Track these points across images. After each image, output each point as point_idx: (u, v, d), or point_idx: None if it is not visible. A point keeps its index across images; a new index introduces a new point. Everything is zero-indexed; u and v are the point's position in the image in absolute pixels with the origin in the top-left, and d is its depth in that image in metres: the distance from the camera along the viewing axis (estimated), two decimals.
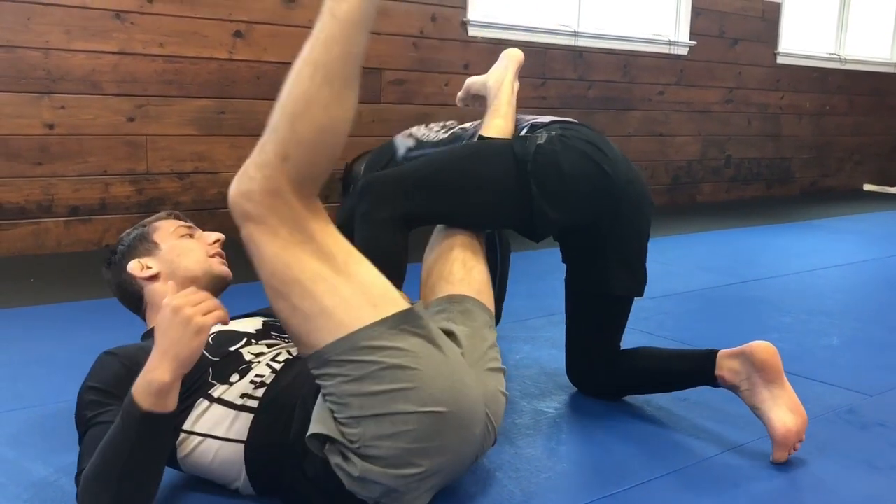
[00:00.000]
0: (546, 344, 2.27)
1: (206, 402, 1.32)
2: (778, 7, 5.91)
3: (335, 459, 1.19)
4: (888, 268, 3.55)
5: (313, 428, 1.19)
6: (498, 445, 1.58)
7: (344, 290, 1.19)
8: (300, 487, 1.27)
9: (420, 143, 2.19)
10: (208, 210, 3.71)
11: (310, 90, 1.18)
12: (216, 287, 1.57)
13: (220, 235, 1.64)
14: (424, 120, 4.24)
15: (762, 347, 1.56)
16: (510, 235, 2.28)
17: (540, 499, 1.38)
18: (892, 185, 6.98)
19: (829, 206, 5.71)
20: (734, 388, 1.60)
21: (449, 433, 1.20)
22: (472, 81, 2.08)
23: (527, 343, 2.32)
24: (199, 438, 1.30)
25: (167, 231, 1.58)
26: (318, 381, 1.22)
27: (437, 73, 4.30)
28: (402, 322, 1.21)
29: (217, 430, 1.30)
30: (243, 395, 1.32)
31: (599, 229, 1.74)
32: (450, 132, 2.17)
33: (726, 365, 1.61)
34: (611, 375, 1.82)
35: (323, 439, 1.19)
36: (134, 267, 1.52)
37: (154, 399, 1.13)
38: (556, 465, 1.52)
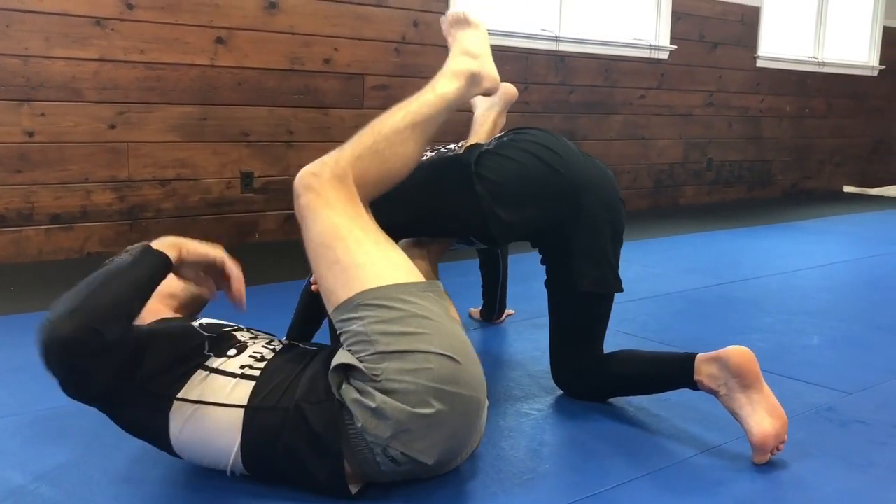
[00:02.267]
0: (529, 347, 2.28)
1: (203, 373, 1.36)
2: (757, 11, 5.97)
3: (352, 395, 1.28)
4: (868, 268, 3.59)
5: (338, 359, 1.31)
6: (481, 447, 1.58)
7: (380, 258, 1.40)
8: (296, 453, 1.30)
9: None
10: (191, 217, 3.70)
11: (398, 125, 1.53)
12: (196, 305, 1.64)
13: None
14: None
15: (738, 353, 1.56)
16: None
17: (522, 499, 1.38)
18: (871, 187, 7.05)
19: (809, 207, 5.76)
20: (713, 393, 1.61)
21: (462, 384, 1.31)
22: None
23: (510, 346, 2.32)
24: (195, 406, 1.33)
25: None
26: (344, 326, 1.34)
27: (419, 78, 4.26)
28: (429, 289, 1.40)
29: (214, 398, 1.34)
30: (244, 366, 1.38)
31: (565, 228, 1.75)
32: (435, 151, 2.21)
33: (704, 370, 1.61)
34: (594, 378, 1.83)
35: (342, 376, 1.30)
36: None
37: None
38: (538, 466, 1.52)
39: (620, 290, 1.82)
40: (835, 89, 6.71)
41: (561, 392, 1.90)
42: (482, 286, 2.50)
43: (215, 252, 1.45)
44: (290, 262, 3.47)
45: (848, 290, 3.18)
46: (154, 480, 1.43)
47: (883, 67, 7.05)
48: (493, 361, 2.19)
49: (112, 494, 1.39)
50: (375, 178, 1.50)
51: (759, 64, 6.04)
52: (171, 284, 1.57)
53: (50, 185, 3.36)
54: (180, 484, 1.41)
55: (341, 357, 1.32)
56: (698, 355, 1.64)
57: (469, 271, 2.65)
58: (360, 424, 1.27)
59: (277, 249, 3.75)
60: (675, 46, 5.45)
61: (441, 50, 4.86)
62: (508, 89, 2.14)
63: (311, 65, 3.92)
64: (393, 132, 1.51)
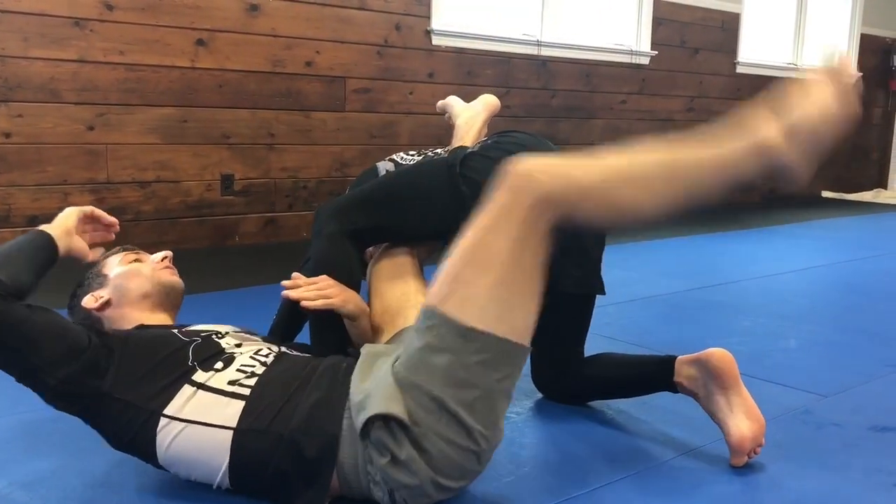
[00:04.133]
0: None
1: (190, 389, 1.33)
2: (737, 17, 6.03)
3: (380, 435, 1.21)
4: (845, 272, 3.63)
5: (384, 407, 1.20)
6: None
7: (515, 301, 1.23)
8: (284, 481, 1.28)
9: (397, 167, 2.21)
10: (170, 219, 3.68)
11: (652, 175, 1.21)
12: (170, 297, 1.60)
13: (168, 253, 1.68)
14: (389, 128, 4.27)
15: (718, 355, 1.58)
16: None
17: (502, 502, 1.39)
18: (848, 192, 7.13)
19: (788, 212, 5.81)
20: (692, 395, 1.62)
21: (484, 462, 1.28)
22: (450, 105, 2.16)
23: None
24: (183, 425, 1.30)
25: (115, 261, 1.62)
26: (431, 339, 1.22)
27: (401, 81, 4.31)
28: (521, 357, 1.27)
29: (203, 417, 1.31)
30: (231, 383, 1.33)
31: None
32: (422, 155, 2.21)
33: (684, 372, 1.63)
34: (574, 381, 1.84)
35: (376, 419, 1.21)
36: (88, 301, 1.55)
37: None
38: (518, 468, 1.53)
39: (602, 292, 1.83)
40: None
41: (541, 395, 1.91)
42: None
43: (74, 213, 1.53)
44: (271, 265, 3.45)
45: (825, 294, 3.22)
46: (132, 487, 1.42)
47: (860, 74, 7.13)
48: None
49: (88, 500, 1.37)
50: (582, 215, 1.23)
51: (739, 70, 6.10)
52: (142, 287, 1.55)
53: (27, 186, 3.33)
54: (159, 491, 1.40)
55: (388, 402, 1.21)
56: (678, 357, 1.65)
57: None
58: (379, 465, 1.22)
59: (257, 252, 3.73)
60: (656, 52, 5.48)
61: (423, 53, 4.86)
62: (491, 100, 2.14)
63: (293, 67, 3.92)
64: (643, 178, 1.20)
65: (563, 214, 1.21)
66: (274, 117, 3.89)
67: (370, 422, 1.22)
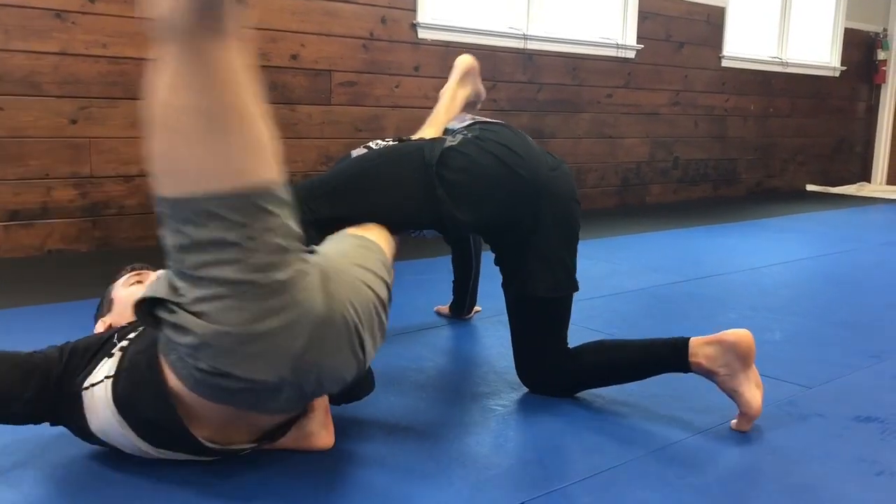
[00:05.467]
0: (495, 343, 2.29)
1: (105, 359, 1.40)
2: (722, 11, 6.04)
3: (162, 314, 1.23)
4: (829, 265, 3.66)
5: (149, 292, 1.25)
6: (447, 442, 1.59)
7: (219, 147, 1.18)
8: (158, 408, 1.32)
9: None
10: (155, 213, 3.65)
11: None
12: None
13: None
14: (375, 122, 4.25)
15: (742, 335, 1.65)
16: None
17: (487, 494, 1.39)
18: (832, 186, 7.18)
19: (773, 206, 5.84)
20: (710, 374, 1.67)
21: (260, 300, 1.20)
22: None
23: (477, 342, 2.33)
24: (89, 391, 1.37)
25: (119, 284, 1.71)
26: (165, 226, 1.23)
27: (387, 74, 4.29)
28: (259, 198, 1.20)
29: (97, 377, 1.37)
30: (129, 339, 1.42)
31: (522, 229, 1.76)
32: (397, 140, 2.19)
33: (702, 352, 1.67)
34: (559, 375, 1.84)
35: (153, 307, 1.24)
36: (98, 327, 1.66)
37: None
38: (503, 461, 1.53)
39: (574, 290, 1.82)
40: (798, 89, 6.82)
41: (525, 388, 1.91)
42: (453, 280, 2.50)
43: None
44: None
45: (809, 287, 3.24)
46: (114, 480, 1.41)
47: (844, 68, 7.18)
48: (460, 358, 2.19)
49: (70, 494, 1.36)
50: None
51: (725, 63, 6.12)
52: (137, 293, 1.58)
53: (9, 181, 3.29)
54: (141, 483, 1.39)
55: (152, 290, 1.25)
56: (692, 339, 1.69)
57: (429, 269, 2.65)
58: (170, 337, 1.23)
59: None
60: (642, 46, 5.49)
61: (409, 47, 4.86)
62: (461, 59, 2.19)
63: (278, 60, 3.89)
64: None
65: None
66: None
67: (145, 312, 1.24)
